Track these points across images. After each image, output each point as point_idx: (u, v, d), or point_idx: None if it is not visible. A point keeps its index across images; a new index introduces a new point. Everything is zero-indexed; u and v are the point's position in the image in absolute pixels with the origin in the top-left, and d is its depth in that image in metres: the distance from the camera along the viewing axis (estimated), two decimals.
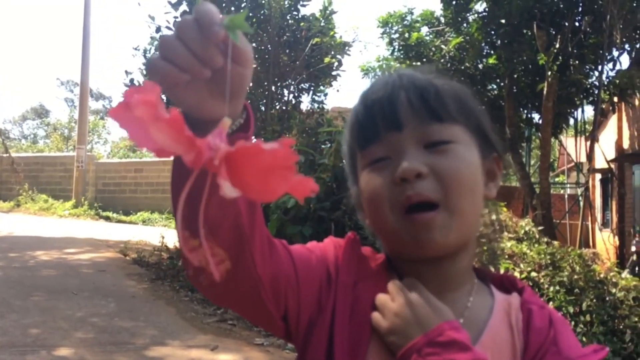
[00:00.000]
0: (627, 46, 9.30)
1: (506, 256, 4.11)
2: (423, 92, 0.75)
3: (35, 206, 17.17)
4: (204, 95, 0.58)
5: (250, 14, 10.01)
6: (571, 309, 3.62)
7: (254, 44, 10.58)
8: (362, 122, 0.79)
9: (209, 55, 0.54)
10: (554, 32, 9.08)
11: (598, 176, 15.04)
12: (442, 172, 0.71)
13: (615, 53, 9.42)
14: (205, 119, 0.58)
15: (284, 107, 10.74)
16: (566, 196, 15.64)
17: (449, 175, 0.71)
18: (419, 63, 11.03)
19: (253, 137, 0.66)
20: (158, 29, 10.25)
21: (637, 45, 9.42)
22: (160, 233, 8.95)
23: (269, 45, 10.42)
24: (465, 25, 10.32)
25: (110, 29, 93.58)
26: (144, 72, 10.91)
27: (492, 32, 9.56)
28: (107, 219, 16.22)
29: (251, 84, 10.77)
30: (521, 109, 11.19)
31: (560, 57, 8.68)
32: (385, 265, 0.80)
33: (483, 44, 9.92)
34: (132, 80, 10.90)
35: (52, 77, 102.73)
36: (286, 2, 10.20)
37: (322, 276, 0.76)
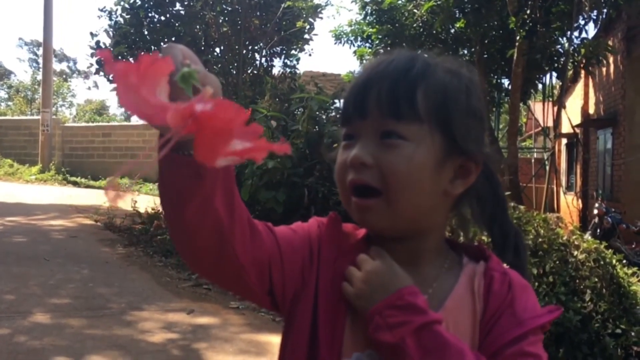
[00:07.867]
0: (594, 14, 9.41)
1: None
2: (394, 86, 0.78)
3: (0, 171, 16.79)
4: None
5: None
6: (535, 271, 3.77)
7: (224, 6, 10.38)
8: (344, 102, 0.85)
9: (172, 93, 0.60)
10: None
11: (564, 141, 15.39)
12: (383, 167, 0.77)
13: (582, 22, 9.53)
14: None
15: (255, 72, 10.63)
16: (533, 160, 15.98)
17: (390, 171, 0.77)
18: (390, 27, 10.97)
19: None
20: None
21: (604, 14, 9.53)
22: (131, 198, 8.86)
23: (239, 8, 10.22)
24: None
25: None
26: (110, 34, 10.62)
27: None
28: (75, 184, 15.97)
29: (222, 48, 10.63)
30: (491, 75, 11.29)
31: (529, 23, 8.74)
32: (365, 240, 0.86)
33: (453, 9, 9.90)
34: (97, 43, 10.62)
35: (13, 37, 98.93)
36: None
37: (305, 253, 0.83)
